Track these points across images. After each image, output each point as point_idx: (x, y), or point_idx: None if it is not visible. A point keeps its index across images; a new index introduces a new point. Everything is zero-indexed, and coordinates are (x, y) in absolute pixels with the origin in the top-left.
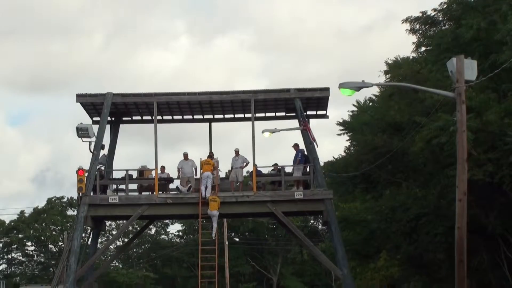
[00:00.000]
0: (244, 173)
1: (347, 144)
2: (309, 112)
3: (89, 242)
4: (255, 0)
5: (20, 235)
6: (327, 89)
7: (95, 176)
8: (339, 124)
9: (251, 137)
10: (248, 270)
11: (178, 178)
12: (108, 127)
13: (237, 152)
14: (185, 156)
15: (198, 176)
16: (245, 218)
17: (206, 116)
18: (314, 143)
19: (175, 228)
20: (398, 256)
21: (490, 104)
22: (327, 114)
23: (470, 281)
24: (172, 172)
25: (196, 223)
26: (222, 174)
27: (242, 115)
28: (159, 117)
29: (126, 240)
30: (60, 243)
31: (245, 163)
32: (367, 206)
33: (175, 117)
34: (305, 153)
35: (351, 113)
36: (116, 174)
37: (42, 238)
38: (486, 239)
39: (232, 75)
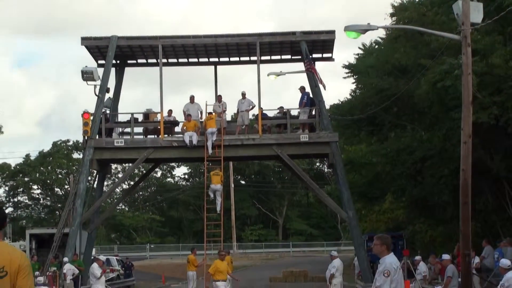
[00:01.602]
0: (250, 116)
1: (353, 87)
2: (314, 55)
3: (95, 185)
4: None
5: (26, 179)
6: (332, 32)
7: (100, 119)
8: (345, 67)
9: (257, 80)
10: (254, 213)
11: (186, 119)
12: (113, 70)
13: (243, 95)
14: (191, 99)
15: (203, 119)
16: (251, 161)
17: (211, 59)
18: (321, 86)
19: (181, 171)
20: (403, 198)
21: (496, 47)
22: (333, 57)
23: (474, 222)
24: (179, 115)
25: (202, 166)
26: (228, 117)
27: (247, 58)
28: (164, 60)
29: (132, 183)
30: (66, 186)
31: (251, 106)
32: (372, 149)
33: (180, 60)
34: (311, 96)
35: (356, 56)
36: (122, 118)
37: (48, 181)
38: (490, 181)
39: (238, 19)
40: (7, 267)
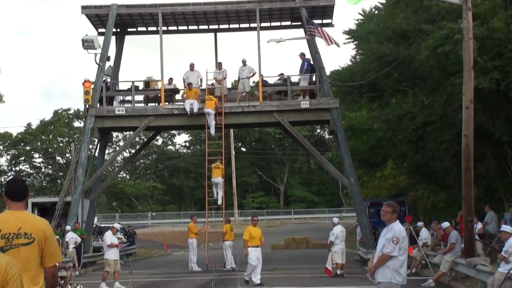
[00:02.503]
0: (251, 83)
1: (353, 53)
2: (314, 21)
3: (96, 154)
4: None
5: (27, 148)
6: None
7: (101, 87)
8: (345, 33)
9: (257, 47)
10: (255, 180)
11: (187, 87)
12: (113, 38)
13: (244, 62)
14: (191, 66)
15: (204, 86)
16: (252, 128)
17: (211, 27)
18: (335, 45)
19: (181, 138)
20: (405, 164)
21: (496, 11)
22: (333, 23)
23: (476, 188)
24: (179, 83)
25: (202, 134)
26: (229, 85)
27: (247, 25)
28: (164, 28)
29: (133, 151)
30: (67, 155)
31: (251, 73)
32: (373, 115)
33: (180, 27)
34: (311, 62)
35: (357, 22)
36: (123, 86)
37: (50, 150)
38: (492, 146)
39: None
40: (35, 234)
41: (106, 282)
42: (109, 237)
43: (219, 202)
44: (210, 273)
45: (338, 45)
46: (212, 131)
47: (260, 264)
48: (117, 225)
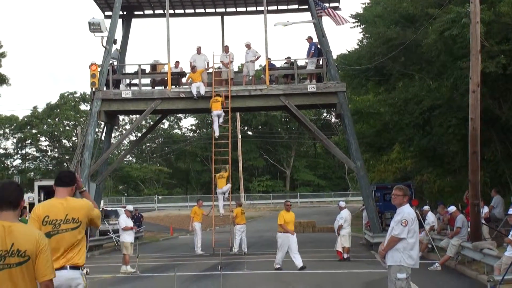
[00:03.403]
0: (257, 67)
1: (360, 36)
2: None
3: (102, 137)
4: None
5: (33, 131)
6: None
7: (108, 70)
8: (352, 16)
9: (264, 30)
10: (262, 164)
11: (191, 71)
12: (120, 21)
13: (248, 45)
14: (198, 50)
15: (210, 70)
16: (258, 112)
17: (218, 10)
18: (345, 23)
19: (188, 122)
20: (411, 148)
21: None
22: (340, 6)
23: (483, 172)
24: (185, 67)
25: (209, 117)
26: (235, 68)
27: (254, 9)
28: (171, 11)
29: (139, 134)
30: (73, 138)
31: (256, 57)
32: (380, 99)
33: (187, 11)
34: (318, 46)
35: (364, 6)
36: (129, 69)
37: (56, 133)
38: (499, 130)
39: None
40: (81, 218)
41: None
42: (124, 220)
43: (221, 211)
44: (217, 256)
45: (348, 22)
46: (217, 132)
47: (294, 248)
48: (130, 207)
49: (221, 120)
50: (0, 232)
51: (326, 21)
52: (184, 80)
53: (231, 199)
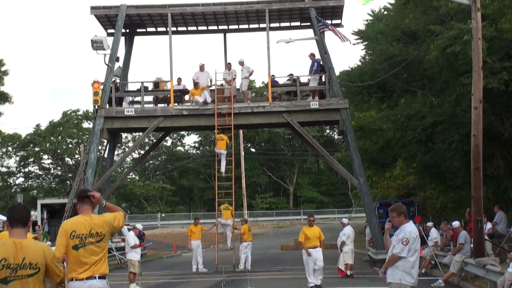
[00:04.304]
0: (259, 84)
1: (363, 53)
2: (325, 21)
3: (105, 155)
4: None
5: (36, 149)
6: None
7: (110, 88)
8: (354, 33)
9: (266, 47)
10: (265, 181)
11: (194, 88)
12: (122, 39)
13: (241, 63)
14: (201, 67)
15: (213, 87)
16: (261, 129)
17: (220, 27)
18: (347, 41)
19: (191, 139)
20: (414, 164)
21: (505, 12)
22: (342, 23)
23: (486, 188)
24: (188, 84)
25: (212, 134)
26: (238, 85)
27: (257, 26)
28: (173, 29)
29: (142, 152)
30: (76, 156)
31: (249, 73)
32: (382, 115)
33: (189, 28)
34: (321, 62)
35: (366, 22)
36: (132, 87)
37: (59, 151)
38: (501, 146)
39: None
40: (104, 231)
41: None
42: (132, 238)
43: (223, 171)
44: (220, 274)
45: (350, 42)
46: (223, 169)
47: (319, 267)
48: (139, 226)
49: (224, 161)
50: (12, 248)
51: (329, 38)
52: (187, 97)
53: (234, 216)
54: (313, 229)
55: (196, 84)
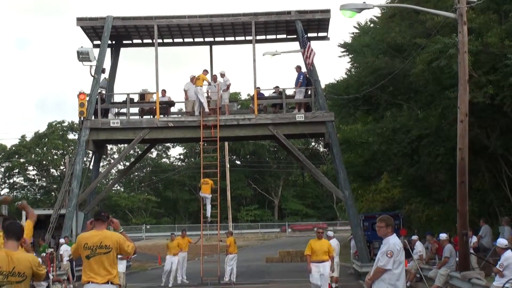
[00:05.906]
0: (245, 96)
1: (348, 66)
2: (310, 34)
3: (91, 166)
4: None
5: (21, 160)
6: (328, 11)
7: (96, 100)
8: (340, 46)
9: (252, 59)
10: (250, 193)
11: (185, 100)
12: (108, 50)
13: (222, 74)
14: (192, 79)
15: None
16: (246, 141)
17: (207, 39)
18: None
19: (176, 151)
20: (399, 177)
21: (491, 26)
22: (328, 36)
23: (471, 201)
24: (173, 95)
25: (197, 146)
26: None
27: (243, 38)
28: (159, 40)
29: (127, 163)
30: (61, 167)
31: (226, 86)
32: (368, 128)
33: (176, 40)
34: (307, 75)
35: (352, 35)
36: (118, 98)
37: (44, 162)
38: (487, 159)
39: None
40: (112, 245)
41: None
42: None
43: (208, 216)
44: (205, 286)
45: (310, 66)
46: (208, 214)
47: (326, 282)
48: None
49: (208, 204)
50: (6, 258)
51: (315, 50)
52: (173, 109)
53: (219, 229)
54: (321, 242)
55: (193, 77)
